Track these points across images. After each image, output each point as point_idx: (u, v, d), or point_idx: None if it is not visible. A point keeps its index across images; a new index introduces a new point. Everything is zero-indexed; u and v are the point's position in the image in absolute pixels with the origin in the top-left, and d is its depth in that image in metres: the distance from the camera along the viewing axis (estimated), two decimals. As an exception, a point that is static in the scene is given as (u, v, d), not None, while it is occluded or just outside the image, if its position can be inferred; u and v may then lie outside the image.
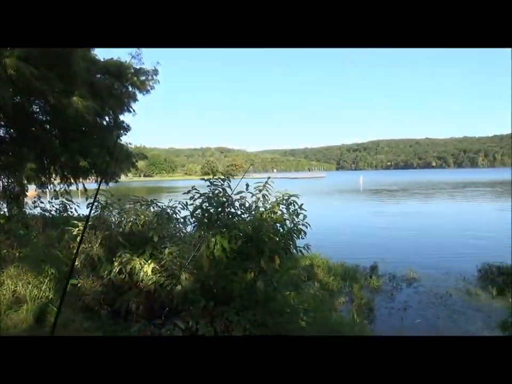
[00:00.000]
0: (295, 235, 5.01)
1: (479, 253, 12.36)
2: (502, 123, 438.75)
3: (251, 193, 5.18)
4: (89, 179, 14.20)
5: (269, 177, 5.47)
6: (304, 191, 50.72)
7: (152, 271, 4.98)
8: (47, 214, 9.91)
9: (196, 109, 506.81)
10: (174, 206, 5.87)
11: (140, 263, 4.96)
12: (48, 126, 12.96)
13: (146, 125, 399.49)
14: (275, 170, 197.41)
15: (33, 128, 12.27)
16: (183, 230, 6.26)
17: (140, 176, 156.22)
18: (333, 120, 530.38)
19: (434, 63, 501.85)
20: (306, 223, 5.04)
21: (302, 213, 5.21)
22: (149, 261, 5.03)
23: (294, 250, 5.00)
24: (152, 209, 5.90)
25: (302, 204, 5.25)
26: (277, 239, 4.82)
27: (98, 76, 13.00)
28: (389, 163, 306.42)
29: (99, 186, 6.32)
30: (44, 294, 5.30)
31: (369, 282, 9.26)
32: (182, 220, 5.86)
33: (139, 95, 13.98)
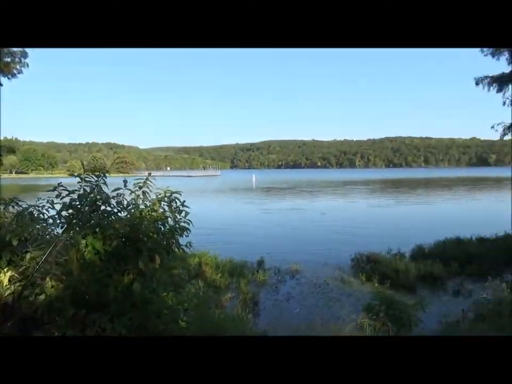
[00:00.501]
0: (177, 233, 4.87)
1: (357, 243, 13.76)
2: (375, 128, 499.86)
3: (130, 190, 4.86)
4: None
5: (149, 175, 5.19)
6: (198, 189, 50.71)
7: (9, 280, 4.32)
8: None
9: (83, 101, 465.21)
10: (40, 205, 5.20)
11: (-5, 272, 4.26)
12: None
13: (20, 116, 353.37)
14: (168, 168, 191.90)
15: None
16: (54, 232, 5.59)
17: (11, 172, 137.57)
18: (227, 120, 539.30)
19: (309, 69, 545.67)
20: (189, 220, 4.93)
21: (184, 210, 5.09)
22: (6, 269, 4.36)
23: (177, 249, 4.84)
24: (12, 209, 5.13)
25: (184, 201, 5.13)
26: (158, 237, 4.60)
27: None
28: (280, 162, 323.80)
29: None
30: None
31: (256, 277, 9.59)
32: (51, 220, 5.23)
33: (3, 79, 12.20)
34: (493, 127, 12.58)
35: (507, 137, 12.86)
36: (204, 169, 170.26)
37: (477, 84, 12.57)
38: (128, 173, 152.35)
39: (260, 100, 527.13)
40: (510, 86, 12.47)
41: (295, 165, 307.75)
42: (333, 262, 11.28)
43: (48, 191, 4.73)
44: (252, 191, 51.37)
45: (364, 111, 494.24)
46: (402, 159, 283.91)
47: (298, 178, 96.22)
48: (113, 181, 4.18)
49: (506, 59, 12.64)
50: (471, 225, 17.48)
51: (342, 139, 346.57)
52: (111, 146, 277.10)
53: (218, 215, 23.95)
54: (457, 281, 9.25)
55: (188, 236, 5.16)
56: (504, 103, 12.42)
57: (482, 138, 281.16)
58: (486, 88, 12.37)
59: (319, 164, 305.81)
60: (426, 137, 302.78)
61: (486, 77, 12.48)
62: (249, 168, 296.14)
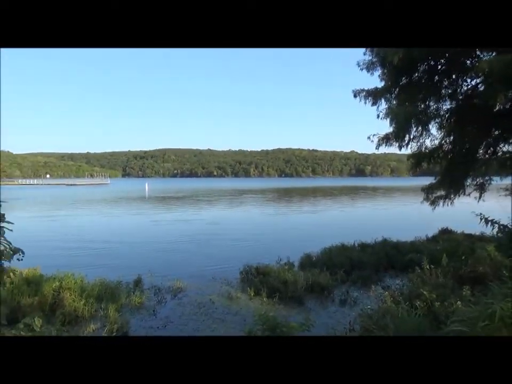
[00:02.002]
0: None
1: (247, 255, 13.18)
2: (268, 140, 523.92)
3: None
4: None
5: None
6: (79, 199, 45.81)
7: None
8: None
9: None
10: None
11: None
12: None
13: None
14: (48, 175, 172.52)
15: None
16: None
17: None
18: (119, 126, 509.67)
19: (203, 80, 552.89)
20: (8, 241, 3.55)
21: (4, 227, 3.70)
22: None
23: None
24: None
25: (4, 214, 3.74)
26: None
27: None
28: (175, 171, 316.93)
29: None
30: None
31: (131, 300, 8.21)
32: None
33: None
34: (369, 137, 13.23)
35: (382, 148, 13.63)
36: (92, 177, 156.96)
37: (355, 96, 13.14)
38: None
39: (153, 107, 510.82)
40: (383, 101, 13.27)
41: (191, 174, 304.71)
42: (222, 276, 10.45)
43: None
44: (144, 201, 48.30)
45: (257, 123, 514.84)
46: (293, 169, 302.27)
47: (194, 187, 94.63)
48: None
49: (379, 75, 13.50)
50: (357, 232, 18.54)
51: (237, 149, 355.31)
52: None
53: (99, 229, 21.43)
54: (343, 289, 9.18)
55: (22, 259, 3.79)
56: (378, 116, 13.10)
57: (359, 151, 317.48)
58: (363, 100, 12.99)
59: (215, 173, 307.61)
60: (313, 150, 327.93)
61: (362, 90, 13.11)
62: (143, 177, 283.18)
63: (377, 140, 12.99)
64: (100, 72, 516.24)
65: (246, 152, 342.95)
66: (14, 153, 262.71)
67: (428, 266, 8.15)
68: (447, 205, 13.25)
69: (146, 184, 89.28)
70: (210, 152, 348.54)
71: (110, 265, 12.24)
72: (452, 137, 13.23)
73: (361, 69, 12.39)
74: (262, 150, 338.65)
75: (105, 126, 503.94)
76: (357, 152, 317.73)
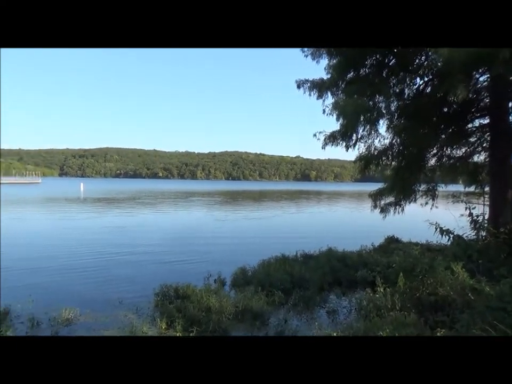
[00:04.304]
0: None
1: (188, 269, 11.10)
2: (215, 142, 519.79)
3: None
4: None
5: None
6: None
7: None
8: None
9: None
10: None
11: None
12: None
13: None
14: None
15: None
16: None
17: None
18: (56, 121, 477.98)
19: (149, 75, 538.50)
20: None
21: None
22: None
23: None
24: None
25: None
26: None
27: None
28: (118, 171, 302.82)
29: None
30: None
31: None
32: None
33: None
34: (315, 135, 11.86)
35: (328, 148, 12.31)
36: (24, 175, 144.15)
37: (298, 87, 11.71)
38: None
39: (93, 102, 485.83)
40: (329, 94, 11.96)
41: (135, 175, 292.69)
42: (133, 300, 8.33)
43: None
44: (76, 202, 43.92)
45: (205, 124, 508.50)
46: (240, 173, 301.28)
47: (138, 188, 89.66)
48: None
49: (325, 68, 12.16)
50: (301, 241, 17.15)
51: (184, 150, 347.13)
52: None
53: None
54: (281, 315, 7.47)
55: None
56: (323, 111, 11.76)
57: (305, 157, 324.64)
58: (307, 92, 11.58)
59: (160, 174, 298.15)
60: (260, 154, 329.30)
61: (306, 81, 11.70)
62: (82, 177, 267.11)
63: (323, 138, 11.66)
64: (35, 67, 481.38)
65: (193, 154, 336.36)
66: None
67: (381, 289, 6.71)
68: (398, 212, 12.20)
69: (82, 184, 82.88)
70: (155, 152, 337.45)
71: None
72: (401, 139, 12.22)
73: (306, 56, 10.93)
74: (209, 153, 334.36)
75: (40, 120, 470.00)
76: (302, 158, 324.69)
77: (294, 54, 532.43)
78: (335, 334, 4.96)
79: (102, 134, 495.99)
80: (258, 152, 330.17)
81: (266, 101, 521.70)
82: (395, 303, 6.27)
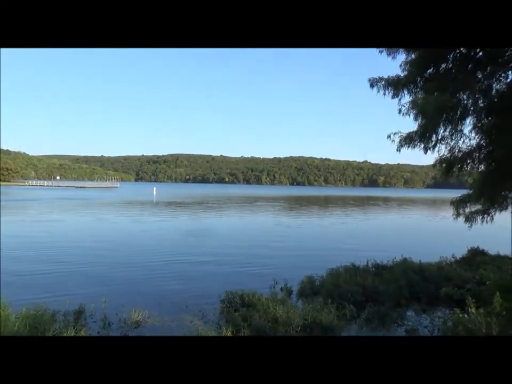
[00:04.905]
0: None
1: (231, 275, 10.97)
2: (280, 148, 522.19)
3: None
4: None
5: None
6: (76, 204, 44.02)
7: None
8: None
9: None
10: None
11: None
12: None
13: None
14: (58, 177, 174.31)
15: None
16: None
17: None
18: (133, 129, 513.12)
19: (219, 86, 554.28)
20: None
21: None
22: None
23: None
24: None
25: None
26: None
27: None
28: (187, 176, 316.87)
29: None
30: None
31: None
32: None
33: None
34: (389, 136, 10.95)
35: (403, 150, 11.34)
36: (105, 180, 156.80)
37: (371, 85, 10.90)
38: (9, 181, 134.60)
39: (167, 111, 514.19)
40: (405, 92, 11.03)
41: (203, 180, 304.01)
42: (198, 305, 8.27)
43: None
44: (151, 206, 46.40)
45: (270, 130, 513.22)
46: (305, 178, 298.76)
47: (205, 193, 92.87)
48: None
49: (400, 64, 11.27)
50: (372, 248, 16.22)
51: (250, 156, 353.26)
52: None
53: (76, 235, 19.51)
54: (353, 331, 6.87)
55: None
56: (399, 111, 10.84)
57: (372, 162, 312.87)
58: (382, 91, 10.77)
59: (227, 179, 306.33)
60: (326, 159, 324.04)
61: (381, 79, 10.89)
62: (155, 182, 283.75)
63: (398, 139, 10.75)
64: (116, 78, 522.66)
65: (258, 159, 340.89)
66: (30, 154, 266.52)
67: (472, 309, 5.85)
68: (486, 221, 10.87)
69: (154, 189, 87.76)
70: (222, 158, 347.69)
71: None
72: (490, 139, 10.88)
73: (381, 52, 10.17)
74: (275, 158, 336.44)
75: (120, 129, 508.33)
76: (370, 162, 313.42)
77: (360, 54, 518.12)
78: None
79: (173, 141, 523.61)
80: (323, 157, 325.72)
81: (333, 103, 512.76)
82: (491, 327, 5.40)
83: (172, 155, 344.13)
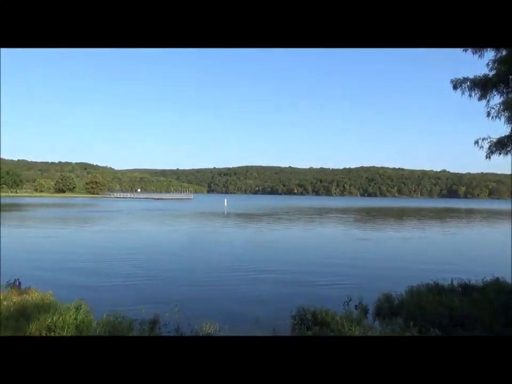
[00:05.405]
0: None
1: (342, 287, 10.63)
2: (350, 158, 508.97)
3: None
4: None
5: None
6: (153, 215, 46.76)
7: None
8: None
9: (58, 120, 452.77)
10: None
11: None
12: None
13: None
14: (139, 190, 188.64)
15: None
16: None
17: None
18: (205, 143, 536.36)
19: (287, 97, 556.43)
20: None
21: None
22: None
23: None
24: None
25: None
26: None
27: None
28: (257, 188, 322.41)
29: None
30: None
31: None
32: None
33: None
34: (476, 142, 9.99)
35: (493, 157, 10.23)
36: (180, 192, 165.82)
37: (454, 87, 10.02)
38: (98, 193, 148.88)
39: (238, 124, 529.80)
40: (494, 93, 9.96)
41: (272, 191, 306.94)
42: (270, 319, 8.09)
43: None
44: (221, 217, 47.76)
45: (339, 140, 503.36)
46: (377, 189, 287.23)
47: (275, 204, 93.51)
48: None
49: (487, 64, 10.20)
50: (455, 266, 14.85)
51: (318, 167, 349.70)
52: (84, 167, 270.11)
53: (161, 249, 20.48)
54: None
55: None
56: (488, 114, 9.86)
57: (452, 171, 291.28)
58: (467, 93, 9.84)
59: (295, 190, 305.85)
60: (399, 168, 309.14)
61: (466, 79, 9.96)
62: (226, 193, 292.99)
63: (488, 145, 9.73)
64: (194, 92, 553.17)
65: (327, 170, 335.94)
66: (115, 169, 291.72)
67: None
68: None
69: (225, 200, 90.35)
70: (291, 169, 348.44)
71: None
72: None
73: (465, 51, 9.31)
74: (344, 168, 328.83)
75: (194, 143, 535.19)
76: (448, 172, 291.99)
77: (432, 56, 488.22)
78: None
79: (243, 153, 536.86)
80: (397, 167, 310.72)
81: (406, 109, 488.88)
82: None
83: (241, 167, 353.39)
